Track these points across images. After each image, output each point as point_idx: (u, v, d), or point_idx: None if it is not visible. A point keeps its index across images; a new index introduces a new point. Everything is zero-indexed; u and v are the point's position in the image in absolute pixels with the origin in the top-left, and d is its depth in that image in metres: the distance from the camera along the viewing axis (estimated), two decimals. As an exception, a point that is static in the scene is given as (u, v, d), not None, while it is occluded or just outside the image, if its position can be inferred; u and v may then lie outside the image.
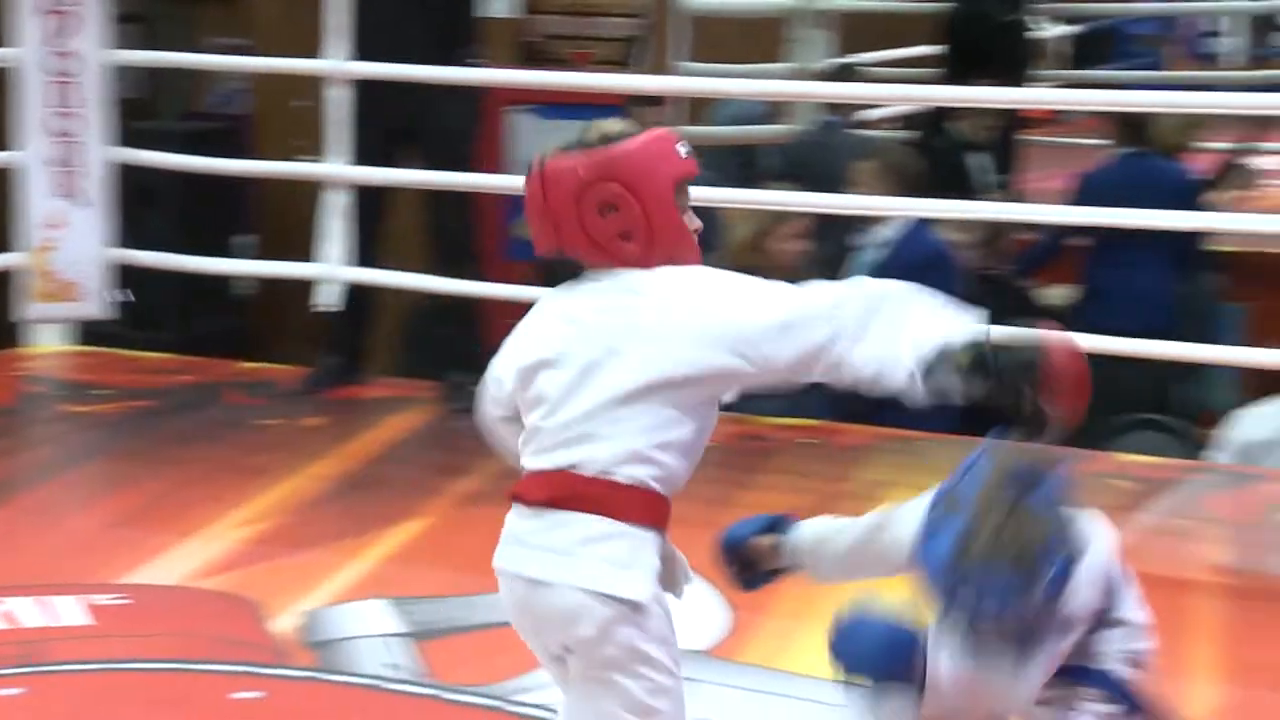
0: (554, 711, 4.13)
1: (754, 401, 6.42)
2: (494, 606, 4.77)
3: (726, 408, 6.23)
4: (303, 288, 6.63)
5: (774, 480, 5.91)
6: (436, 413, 6.63)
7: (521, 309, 3.07)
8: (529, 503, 2.96)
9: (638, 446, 2.90)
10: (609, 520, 2.91)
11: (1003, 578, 2.70)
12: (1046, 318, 6.74)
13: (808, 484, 5.85)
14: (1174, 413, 7.37)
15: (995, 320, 2.93)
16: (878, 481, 5.84)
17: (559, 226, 2.97)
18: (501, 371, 3.10)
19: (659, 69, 8.77)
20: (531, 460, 2.98)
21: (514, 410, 3.07)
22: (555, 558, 2.93)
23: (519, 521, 3.00)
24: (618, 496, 2.90)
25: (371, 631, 4.69)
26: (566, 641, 2.96)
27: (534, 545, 2.96)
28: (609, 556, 2.90)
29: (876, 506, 5.55)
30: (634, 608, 2.89)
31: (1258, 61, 14.42)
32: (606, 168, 2.96)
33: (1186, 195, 7.96)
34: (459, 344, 6.68)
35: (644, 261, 2.96)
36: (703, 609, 4.81)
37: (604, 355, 2.92)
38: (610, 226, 2.94)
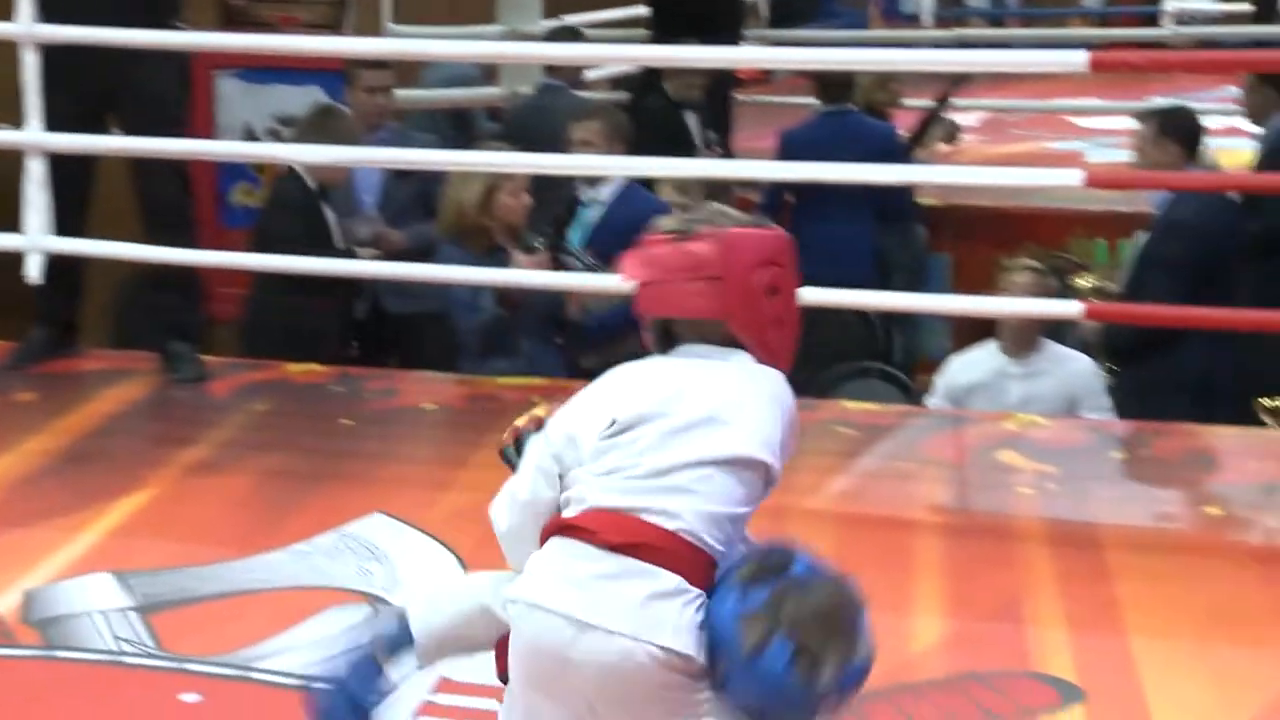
0: (294, 676, 4.16)
1: (487, 362, 6.49)
2: (224, 577, 4.81)
3: (458, 369, 6.20)
4: (13, 259, 6.43)
5: (506, 440, 5.93)
6: (156, 384, 6.50)
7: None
8: (599, 542, 2.90)
9: (723, 512, 2.93)
10: (684, 581, 2.87)
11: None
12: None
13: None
14: (891, 361, 7.61)
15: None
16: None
17: (732, 295, 3.04)
18: (578, 427, 3.06)
19: (369, 31, 8.71)
20: (604, 497, 2.93)
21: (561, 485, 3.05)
22: (623, 606, 2.86)
23: (575, 560, 2.92)
24: (698, 559, 2.90)
25: (98, 607, 4.60)
26: (601, 695, 2.89)
27: (595, 589, 2.88)
28: (682, 618, 2.86)
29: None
30: (697, 674, 2.86)
31: (951, 22, 14.85)
32: (775, 251, 3.11)
33: (887, 151, 8.22)
34: (177, 313, 6.57)
35: (774, 348, 3.11)
36: (436, 568, 4.85)
37: (707, 419, 2.96)
38: (771, 309, 3.07)
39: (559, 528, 2.97)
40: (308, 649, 4.32)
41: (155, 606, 4.61)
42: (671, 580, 2.86)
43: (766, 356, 3.10)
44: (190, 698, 4.09)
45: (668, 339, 3.13)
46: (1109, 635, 4.42)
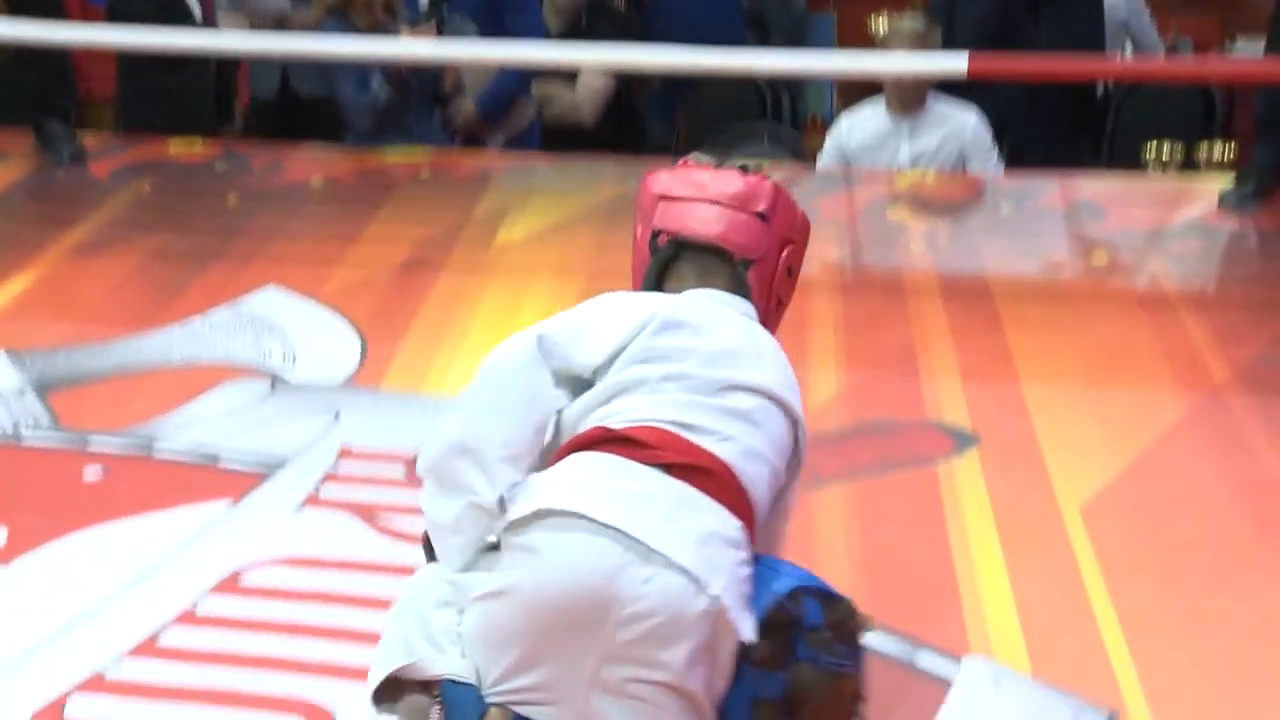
0: (196, 449, 4.20)
1: (376, 136, 6.46)
2: (119, 354, 4.82)
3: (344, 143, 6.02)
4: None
5: (399, 213, 5.93)
6: (33, 165, 6.43)
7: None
8: (651, 460, 2.44)
9: (771, 461, 2.58)
10: (745, 531, 2.47)
11: None
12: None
13: (434, 215, 5.89)
14: (780, 121, 7.62)
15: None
16: (499, 210, 5.93)
17: (770, 240, 2.82)
18: (603, 325, 2.63)
19: None
20: (652, 410, 2.50)
21: (568, 370, 2.60)
22: (683, 539, 2.38)
23: (622, 478, 2.43)
24: (744, 508, 2.50)
25: (-6, 387, 4.62)
26: (631, 646, 2.36)
27: (654, 510, 2.38)
28: (737, 578, 2.42)
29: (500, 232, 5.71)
30: (741, 650, 2.42)
31: None
32: (806, 231, 2.94)
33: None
34: (48, 92, 6.47)
35: (769, 323, 2.88)
36: (334, 340, 4.89)
37: (751, 348, 2.67)
38: (783, 286, 2.88)
39: (595, 439, 2.50)
40: (207, 423, 4.35)
41: (52, 384, 4.61)
42: (734, 525, 2.45)
43: (763, 322, 2.83)
44: (93, 473, 4.11)
45: (664, 272, 2.79)
46: (1001, 383, 4.55)
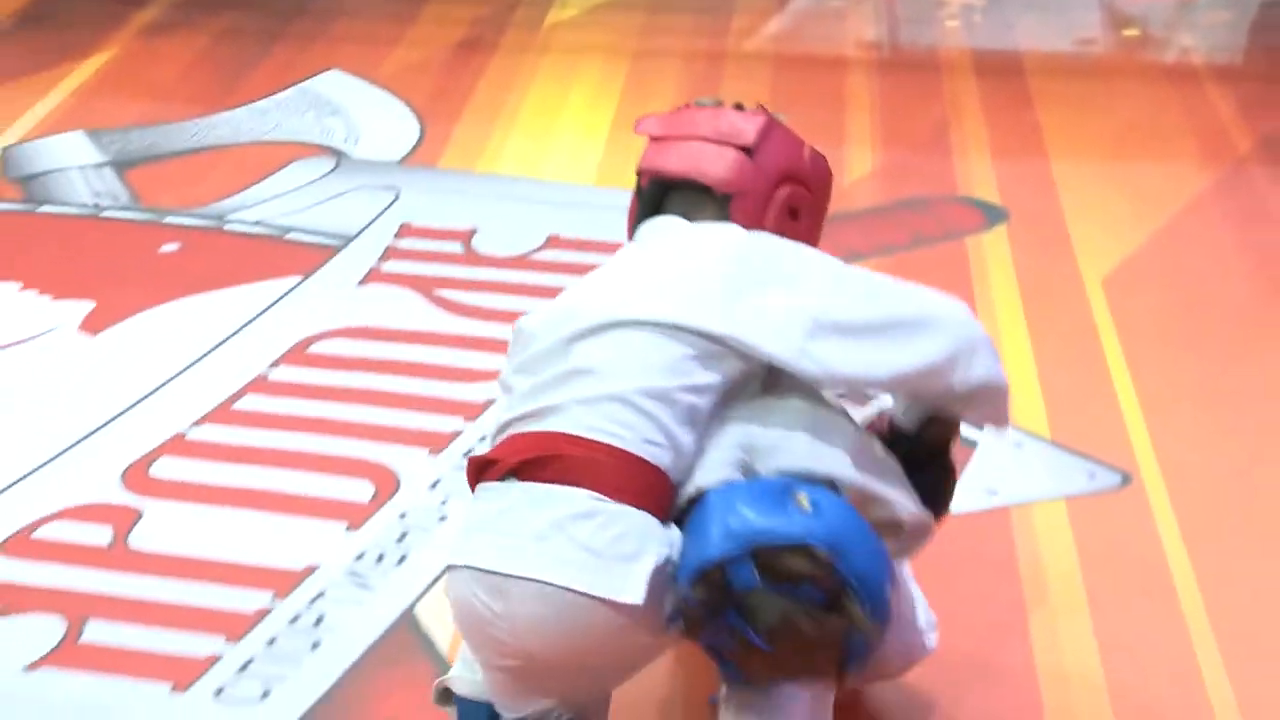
0: (265, 225, 4.24)
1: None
2: (191, 134, 4.85)
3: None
4: None
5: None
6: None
7: None
8: (497, 475, 2.27)
9: (640, 382, 2.27)
10: (595, 497, 2.20)
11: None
12: None
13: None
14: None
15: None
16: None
17: (755, 177, 2.48)
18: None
19: None
20: (511, 414, 2.31)
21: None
22: (531, 542, 2.21)
23: (479, 504, 2.29)
24: (617, 462, 2.23)
25: (75, 163, 4.65)
26: (532, 658, 2.22)
27: (500, 527, 2.23)
28: (606, 542, 2.19)
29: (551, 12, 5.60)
30: (632, 613, 2.17)
31: None
32: (812, 175, 2.55)
33: None
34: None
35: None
36: (393, 120, 4.90)
37: (646, 272, 2.41)
38: (789, 228, 2.49)
39: (476, 471, 2.33)
40: (276, 201, 4.39)
41: (128, 162, 4.66)
42: (581, 498, 2.19)
43: None
44: (170, 248, 4.17)
45: (658, 212, 2.53)
46: (1030, 159, 4.53)
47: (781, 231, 2.45)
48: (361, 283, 3.95)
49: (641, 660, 2.32)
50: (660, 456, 2.22)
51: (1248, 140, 4.60)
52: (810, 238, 2.53)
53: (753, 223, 2.45)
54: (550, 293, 3.35)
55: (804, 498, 2.15)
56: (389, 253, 4.09)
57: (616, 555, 2.16)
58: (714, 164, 2.48)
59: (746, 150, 2.49)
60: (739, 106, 2.58)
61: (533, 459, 2.23)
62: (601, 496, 2.18)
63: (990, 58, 5.24)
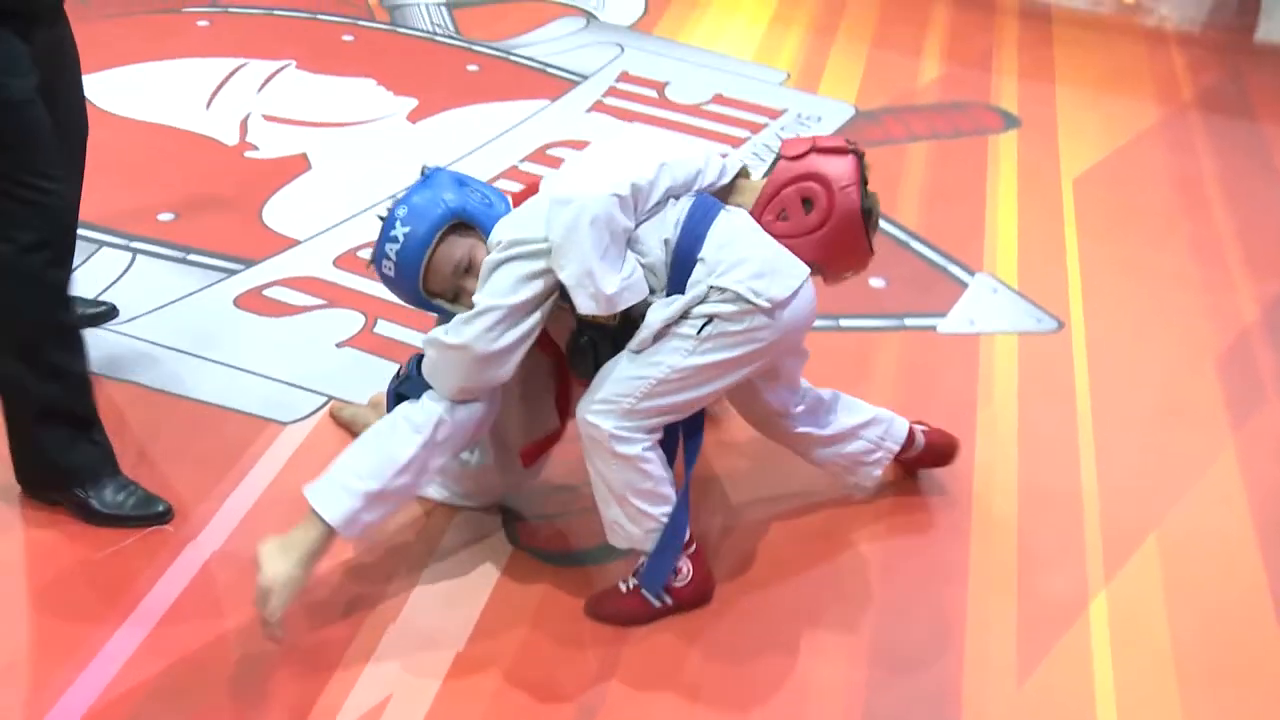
0: (535, 60, 3.99)
1: None
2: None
3: None
4: None
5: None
6: None
7: None
8: None
9: None
10: None
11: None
12: None
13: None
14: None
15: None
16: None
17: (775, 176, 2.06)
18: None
19: None
20: None
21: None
22: None
23: None
24: None
25: (422, 1, 4.37)
26: None
27: None
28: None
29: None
30: None
31: None
32: (827, 175, 2.05)
33: None
34: None
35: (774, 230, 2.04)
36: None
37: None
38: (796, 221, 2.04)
39: None
40: (546, 43, 4.13)
41: (457, 3, 4.37)
42: None
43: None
44: (472, 68, 3.95)
45: None
46: (1043, 84, 4.11)
47: (788, 206, 2.02)
48: (588, 110, 3.72)
49: None
50: None
51: (1190, 90, 4.14)
52: (814, 232, 2.03)
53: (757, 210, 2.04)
54: (710, 135, 3.08)
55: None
56: (609, 91, 3.84)
57: None
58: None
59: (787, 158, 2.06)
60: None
61: None
62: None
63: (1031, 7, 4.73)
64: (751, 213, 2.05)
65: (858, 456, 2.27)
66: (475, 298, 1.92)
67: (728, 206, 2.03)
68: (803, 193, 2.04)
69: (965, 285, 3.03)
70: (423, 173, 2.08)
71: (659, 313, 1.93)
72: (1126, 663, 2.08)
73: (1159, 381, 2.76)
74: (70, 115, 2.13)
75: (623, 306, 1.91)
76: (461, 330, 1.91)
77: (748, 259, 1.94)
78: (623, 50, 4.11)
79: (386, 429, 1.95)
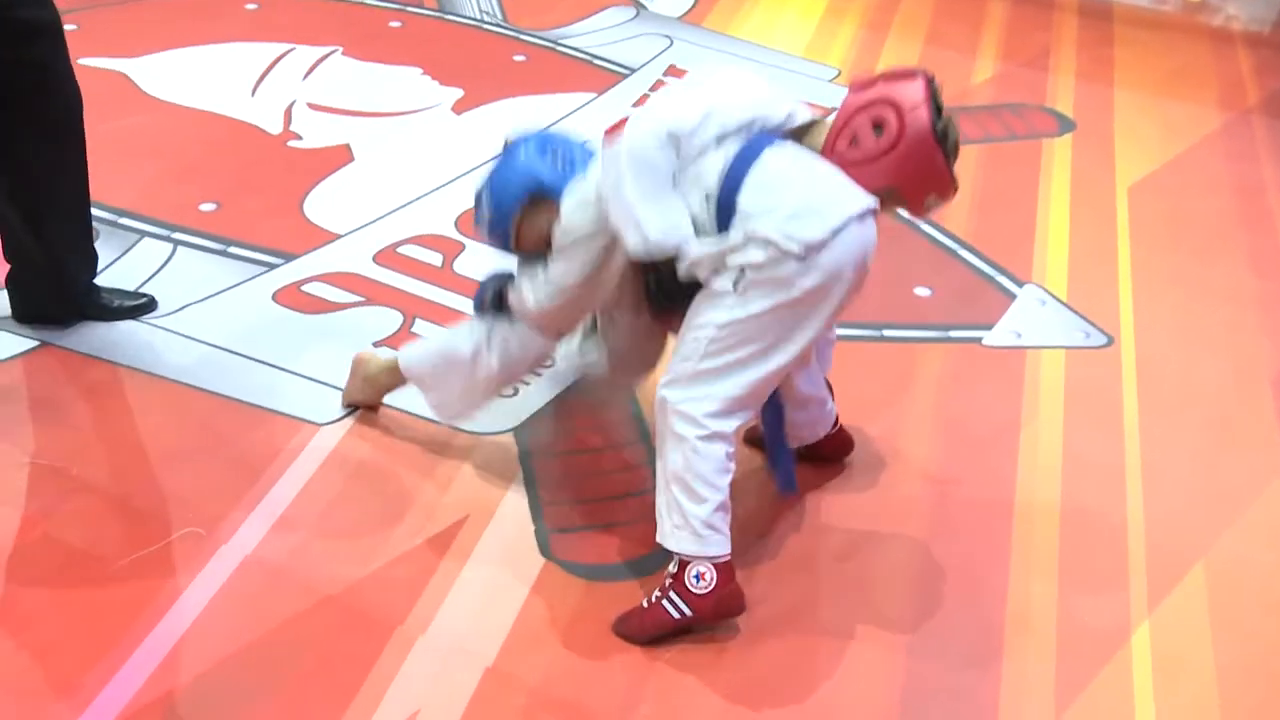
0: (582, 51, 3.94)
1: None
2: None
3: None
4: None
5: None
6: None
7: None
8: None
9: None
10: None
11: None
12: None
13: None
14: None
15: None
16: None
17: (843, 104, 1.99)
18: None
19: None
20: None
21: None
22: None
23: None
24: None
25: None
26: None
27: None
28: None
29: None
30: None
31: None
32: (900, 100, 1.96)
33: None
34: None
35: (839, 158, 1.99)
36: None
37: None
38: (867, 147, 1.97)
39: None
40: (593, 34, 4.08)
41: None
42: None
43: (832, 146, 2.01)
44: (519, 58, 3.91)
45: None
46: (1101, 86, 4.03)
47: (858, 130, 1.95)
48: (634, 104, 3.67)
49: None
50: None
51: (1256, 94, 4.02)
52: (882, 157, 1.95)
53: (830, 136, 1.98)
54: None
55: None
56: (656, 84, 3.79)
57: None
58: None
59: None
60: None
61: None
62: None
63: (1092, 4, 4.63)
64: (824, 145, 2.00)
65: (806, 425, 2.30)
66: (548, 271, 2.12)
67: (777, 141, 1.97)
68: (873, 117, 1.97)
69: (1013, 296, 2.97)
70: (505, 144, 2.22)
71: (697, 247, 1.95)
72: (1169, 698, 2.03)
73: (1211, 402, 2.69)
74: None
75: (669, 249, 1.94)
76: (525, 293, 2.16)
77: (782, 202, 1.91)
78: (671, 43, 4.05)
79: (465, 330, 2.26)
